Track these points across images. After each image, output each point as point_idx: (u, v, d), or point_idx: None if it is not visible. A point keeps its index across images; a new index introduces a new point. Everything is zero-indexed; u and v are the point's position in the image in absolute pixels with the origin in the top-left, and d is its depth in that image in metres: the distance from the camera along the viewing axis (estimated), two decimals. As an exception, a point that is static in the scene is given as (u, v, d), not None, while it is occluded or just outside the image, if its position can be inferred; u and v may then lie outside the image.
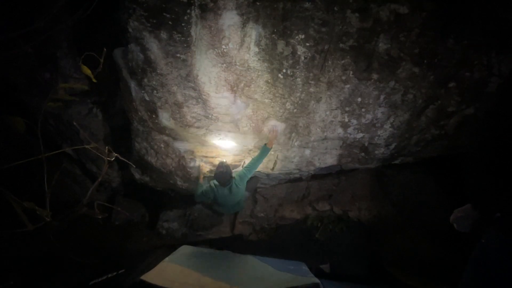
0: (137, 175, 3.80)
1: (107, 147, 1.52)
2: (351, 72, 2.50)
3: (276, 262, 3.21)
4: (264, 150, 2.89)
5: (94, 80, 1.54)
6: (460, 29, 2.34)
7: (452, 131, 2.93)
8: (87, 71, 1.49)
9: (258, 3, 2.15)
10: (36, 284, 2.53)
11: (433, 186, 3.66)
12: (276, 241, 4.04)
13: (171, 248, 3.42)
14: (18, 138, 2.82)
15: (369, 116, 2.79)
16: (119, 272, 2.82)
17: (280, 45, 2.32)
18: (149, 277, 2.51)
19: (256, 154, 3.04)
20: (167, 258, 2.98)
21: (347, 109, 2.75)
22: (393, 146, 3.06)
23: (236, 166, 3.33)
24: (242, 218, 4.18)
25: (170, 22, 2.14)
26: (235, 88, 2.57)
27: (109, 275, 2.74)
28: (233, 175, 3.09)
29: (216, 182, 3.07)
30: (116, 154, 1.49)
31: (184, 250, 3.35)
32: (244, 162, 3.34)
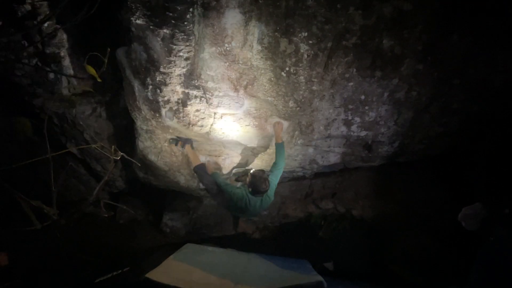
0: (140, 174, 3.81)
1: (113, 146, 1.53)
2: (355, 70, 2.49)
3: (280, 260, 3.22)
4: (279, 148, 2.72)
5: (99, 80, 1.54)
6: (464, 26, 2.32)
7: (456, 129, 2.91)
8: (92, 70, 1.50)
9: (260, 1, 2.15)
10: (43, 281, 2.56)
11: (437, 183, 3.64)
12: (280, 239, 4.05)
13: (175, 246, 3.44)
14: (24, 137, 2.85)
15: (372, 114, 2.78)
16: (124, 270, 2.85)
17: (283, 43, 2.31)
18: (154, 275, 2.53)
19: (261, 154, 3.01)
20: (171, 256, 3.00)
21: (350, 107, 2.74)
22: (396, 144, 3.05)
23: (240, 165, 3.34)
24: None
25: (172, 21, 2.14)
26: (238, 87, 2.57)
27: (114, 273, 2.77)
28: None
29: (249, 192, 2.67)
30: (122, 153, 1.50)
31: (188, 248, 3.37)
32: (246, 160, 3.34)
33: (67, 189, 3.72)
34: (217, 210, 4.09)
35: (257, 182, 2.55)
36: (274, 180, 2.71)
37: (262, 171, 2.66)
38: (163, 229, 4.04)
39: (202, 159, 3.21)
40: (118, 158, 1.51)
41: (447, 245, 3.28)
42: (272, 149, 3.09)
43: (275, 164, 2.73)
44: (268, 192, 2.65)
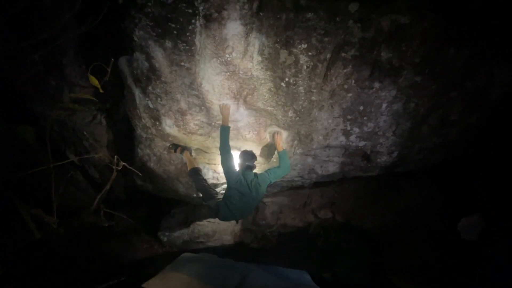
0: (139, 182, 3.80)
1: (116, 156, 1.53)
2: (353, 81, 2.53)
3: (278, 270, 3.18)
4: (282, 155, 2.76)
5: (101, 91, 1.56)
6: (461, 39, 2.37)
7: (454, 140, 2.93)
8: (95, 81, 1.52)
9: (261, 14, 2.19)
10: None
11: (436, 193, 3.65)
12: (278, 249, 4.02)
13: (173, 255, 3.41)
14: (25, 144, 2.85)
15: (371, 125, 2.80)
16: (121, 279, 2.81)
17: (283, 54, 2.35)
18: (150, 284, 2.50)
19: (260, 164, 3.01)
20: (168, 266, 2.97)
21: (349, 117, 2.76)
22: (395, 154, 3.06)
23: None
24: (244, 226, 4.16)
25: (175, 32, 2.17)
26: (238, 96, 2.59)
27: (111, 283, 2.73)
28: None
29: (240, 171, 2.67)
30: (123, 163, 1.51)
31: (186, 257, 3.34)
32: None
33: (64, 197, 3.69)
34: (215, 219, 4.07)
35: (246, 156, 2.65)
36: (270, 176, 2.71)
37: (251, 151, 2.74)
38: (161, 238, 4.00)
39: (202, 167, 3.20)
40: (120, 167, 1.52)
41: (446, 255, 3.26)
42: (271, 159, 3.10)
43: (278, 168, 2.75)
44: (258, 181, 2.65)
